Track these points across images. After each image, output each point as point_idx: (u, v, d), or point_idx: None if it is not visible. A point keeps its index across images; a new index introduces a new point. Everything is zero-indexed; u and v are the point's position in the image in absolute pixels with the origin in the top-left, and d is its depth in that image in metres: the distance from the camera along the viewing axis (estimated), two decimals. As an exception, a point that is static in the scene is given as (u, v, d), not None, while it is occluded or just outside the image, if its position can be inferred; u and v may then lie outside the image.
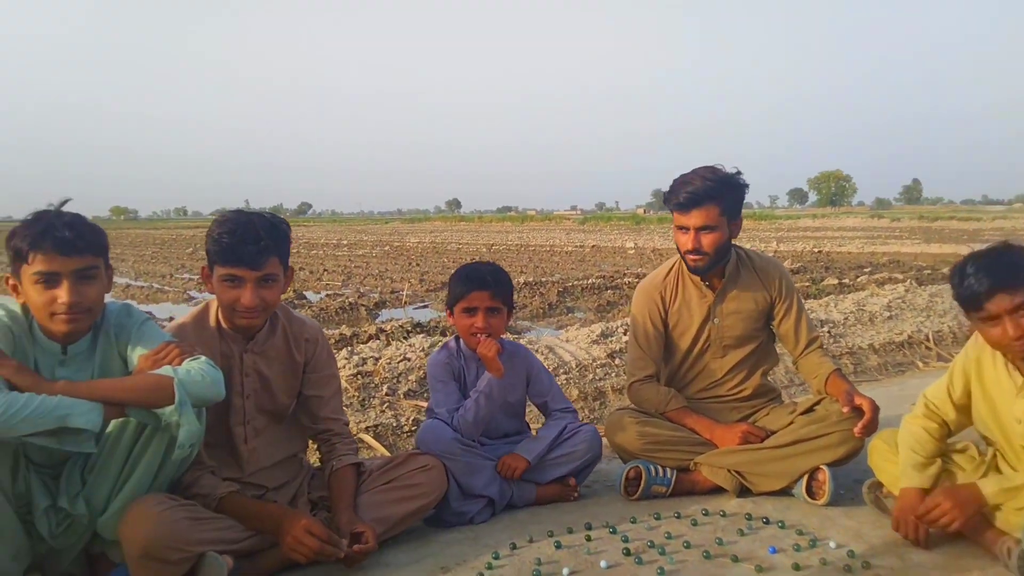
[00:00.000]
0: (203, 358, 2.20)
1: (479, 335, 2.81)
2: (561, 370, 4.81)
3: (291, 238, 2.47)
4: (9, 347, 2.09)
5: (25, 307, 2.17)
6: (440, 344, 3.25)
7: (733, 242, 2.99)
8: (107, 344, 2.26)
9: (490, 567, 2.34)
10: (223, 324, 2.46)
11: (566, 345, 5.43)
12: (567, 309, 9.96)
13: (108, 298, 2.31)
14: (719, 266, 2.97)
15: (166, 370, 2.12)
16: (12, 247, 2.11)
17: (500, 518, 2.77)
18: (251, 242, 2.31)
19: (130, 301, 2.45)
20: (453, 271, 2.98)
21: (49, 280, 2.08)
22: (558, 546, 2.47)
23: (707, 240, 2.85)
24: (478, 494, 2.74)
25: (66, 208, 2.20)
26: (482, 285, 2.82)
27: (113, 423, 2.14)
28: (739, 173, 2.90)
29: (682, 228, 2.90)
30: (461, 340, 2.96)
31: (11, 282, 2.17)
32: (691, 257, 2.91)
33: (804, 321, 3.05)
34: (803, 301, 3.13)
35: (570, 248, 24.30)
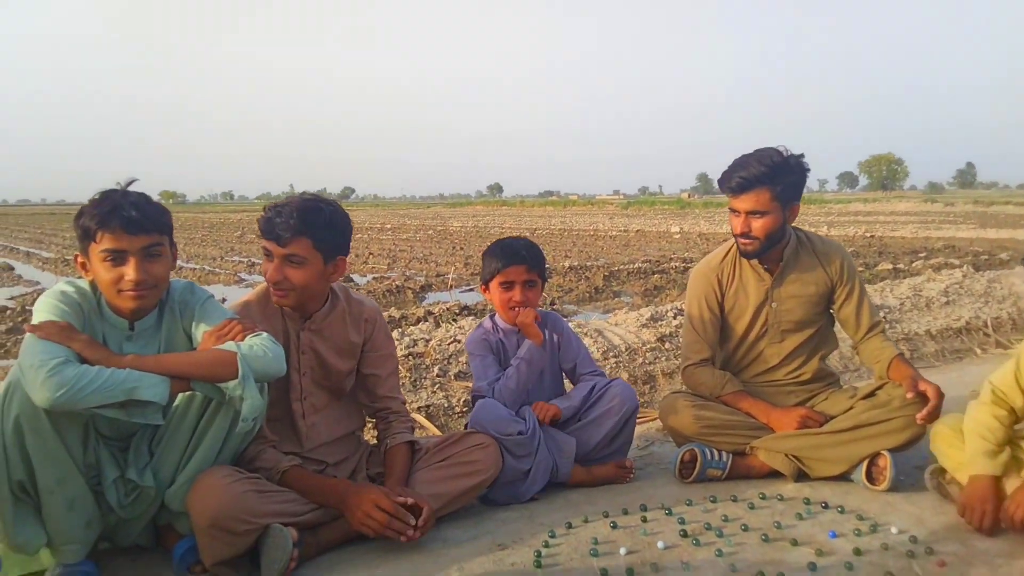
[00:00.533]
0: (264, 334, 2.25)
1: (516, 308, 2.87)
2: (611, 353, 4.80)
3: (329, 223, 2.42)
4: (79, 323, 2.14)
5: (93, 284, 2.23)
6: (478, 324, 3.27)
7: (793, 225, 2.94)
8: (172, 320, 2.31)
9: (547, 545, 2.35)
10: None
11: (615, 328, 5.40)
12: (613, 293, 9.92)
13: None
14: (775, 250, 2.92)
15: (229, 345, 2.17)
16: (80, 226, 2.16)
17: (554, 498, 2.77)
18: (279, 217, 2.36)
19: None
20: (487, 247, 3.00)
21: (116, 258, 2.14)
22: (614, 526, 2.48)
23: (757, 224, 2.82)
24: (528, 471, 2.74)
25: (131, 188, 2.26)
26: (518, 259, 2.86)
27: (180, 398, 2.20)
28: (799, 157, 2.84)
29: (734, 211, 2.87)
30: (497, 317, 3.01)
31: (79, 260, 2.22)
32: (741, 241, 2.88)
33: (866, 305, 2.99)
34: (865, 286, 3.06)
35: (614, 233, 24.15)
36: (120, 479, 2.24)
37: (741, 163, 2.82)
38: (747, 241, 2.87)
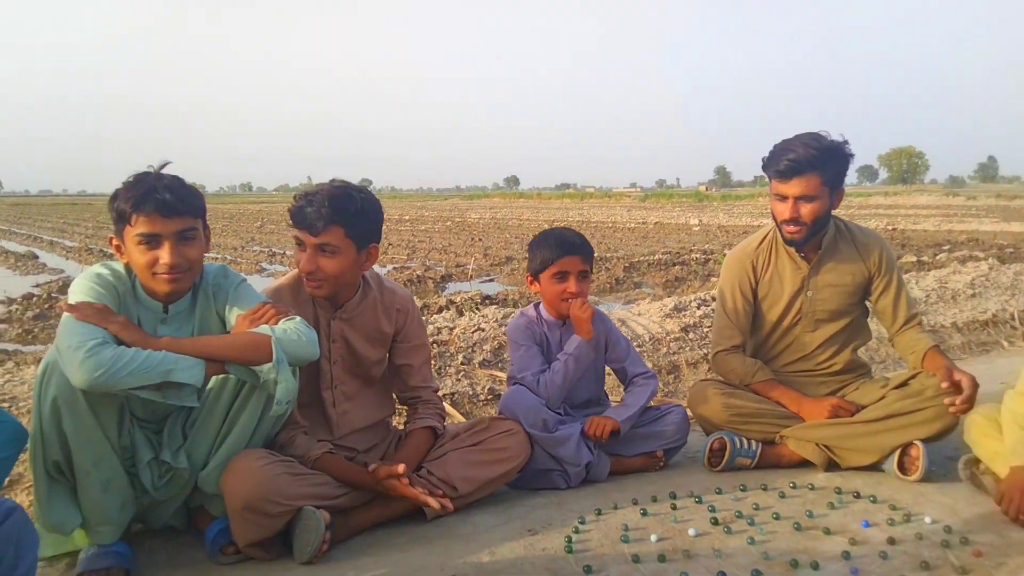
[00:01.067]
0: (298, 318, 2.25)
1: (569, 300, 2.80)
2: (635, 343, 4.78)
3: (361, 211, 2.41)
4: (115, 305, 2.15)
5: (128, 266, 2.23)
6: (516, 313, 3.25)
7: (832, 213, 2.90)
8: (206, 304, 2.32)
9: (577, 531, 2.35)
10: None
11: (638, 319, 5.38)
12: (634, 284, 9.89)
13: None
14: (816, 237, 2.89)
15: (264, 329, 2.17)
16: (115, 209, 2.16)
17: (583, 486, 2.76)
18: (311, 206, 2.34)
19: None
20: (534, 238, 2.94)
21: (151, 241, 2.14)
22: (644, 513, 2.47)
23: (806, 210, 2.77)
24: (560, 460, 2.72)
25: (164, 171, 2.25)
26: (573, 250, 2.80)
27: (213, 381, 2.20)
28: (845, 142, 2.80)
29: (780, 197, 2.81)
30: (541, 307, 2.95)
31: (114, 242, 2.22)
32: (788, 228, 2.82)
33: (904, 297, 2.95)
34: (903, 277, 3.01)
35: (632, 225, 24.06)
36: (154, 461, 2.25)
37: (788, 146, 2.77)
38: (795, 228, 2.81)
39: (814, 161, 2.72)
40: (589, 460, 2.76)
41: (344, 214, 2.35)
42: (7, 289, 9.21)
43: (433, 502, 2.32)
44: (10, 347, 6.02)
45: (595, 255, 2.94)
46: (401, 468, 2.30)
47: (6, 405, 3.26)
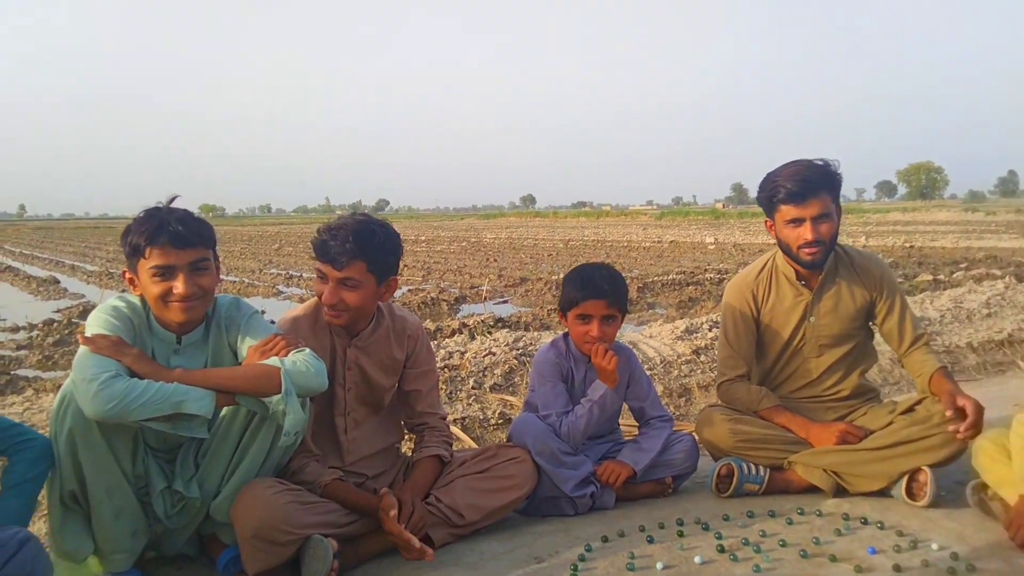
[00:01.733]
0: (307, 350, 2.29)
1: (591, 343, 2.77)
2: (646, 366, 4.79)
3: (383, 246, 2.46)
4: (130, 337, 2.21)
5: (143, 299, 2.29)
6: (541, 340, 3.26)
7: None
8: (218, 335, 2.37)
9: (583, 559, 2.36)
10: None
11: (650, 341, 5.40)
12: (648, 305, 9.88)
13: (217, 292, 2.42)
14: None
15: (273, 360, 2.21)
16: (129, 243, 2.23)
17: (590, 513, 2.77)
18: (334, 240, 2.39)
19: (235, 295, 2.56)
20: (568, 272, 2.92)
21: (166, 273, 2.20)
22: (650, 540, 2.48)
23: (825, 229, 2.80)
24: (567, 493, 2.71)
25: (174, 204, 2.31)
26: (598, 294, 2.76)
27: (225, 411, 2.26)
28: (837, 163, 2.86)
29: (795, 221, 2.82)
30: (571, 340, 2.92)
31: (128, 276, 2.29)
32: (808, 250, 2.82)
33: (908, 319, 2.96)
34: (906, 298, 3.03)
35: (648, 243, 24.06)
36: (167, 490, 2.30)
37: (794, 170, 2.81)
38: (815, 249, 2.82)
39: (824, 180, 2.78)
40: (593, 491, 2.77)
41: (366, 249, 2.40)
42: (28, 315, 9.34)
43: (415, 545, 2.28)
44: (30, 373, 6.11)
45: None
46: (392, 512, 2.30)
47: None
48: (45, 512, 2.61)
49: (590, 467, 2.79)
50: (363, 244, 2.39)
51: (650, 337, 5.56)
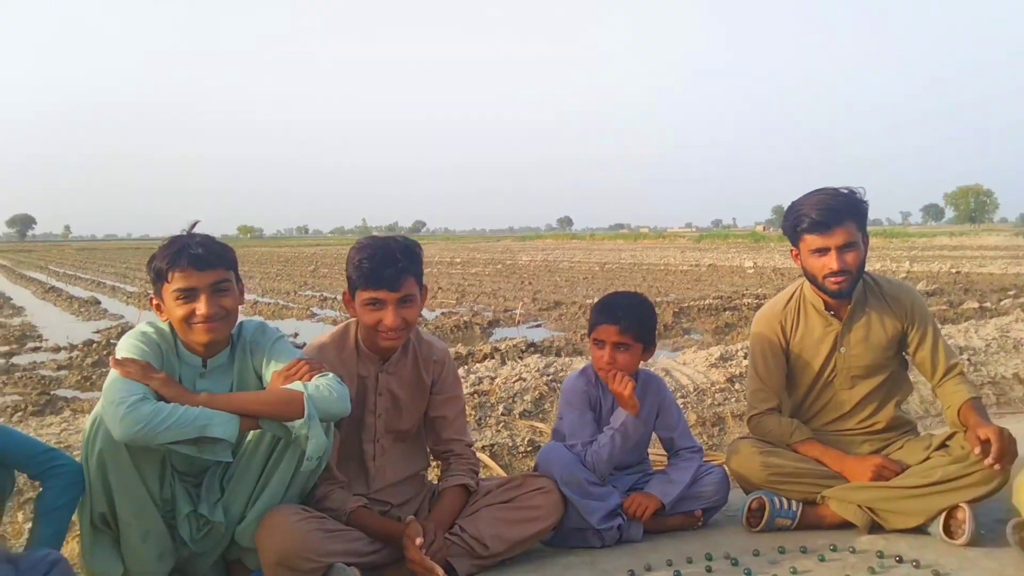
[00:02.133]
0: (331, 375, 2.30)
1: (608, 370, 2.74)
2: (678, 394, 4.73)
3: (422, 258, 2.54)
4: (157, 361, 2.26)
5: (171, 324, 2.34)
6: (571, 367, 3.23)
7: None
8: (243, 359, 2.40)
9: (608, 594, 2.32)
10: (362, 345, 2.55)
11: (683, 368, 5.32)
12: (683, 331, 9.79)
13: (243, 316, 2.45)
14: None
15: (296, 385, 2.23)
16: (153, 269, 2.30)
17: (618, 545, 2.72)
18: (389, 265, 2.40)
19: (261, 318, 2.58)
20: (596, 301, 2.90)
21: (188, 295, 2.25)
22: (677, 575, 2.42)
23: (851, 258, 2.74)
24: (593, 525, 2.67)
25: (196, 230, 2.39)
26: (611, 319, 2.74)
27: (250, 436, 2.27)
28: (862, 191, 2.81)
29: (820, 251, 2.77)
30: None
31: (155, 302, 2.35)
32: (835, 280, 2.77)
33: (941, 348, 2.88)
34: (939, 326, 2.94)
35: (685, 267, 23.88)
36: (193, 514, 2.31)
37: (818, 199, 2.76)
38: (842, 278, 2.77)
39: (848, 208, 2.73)
40: (620, 524, 2.72)
41: (413, 262, 2.46)
42: (69, 335, 9.56)
43: (438, 574, 2.26)
44: (69, 394, 6.23)
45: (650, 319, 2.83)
46: (418, 540, 2.29)
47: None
48: (76, 534, 2.65)
49: (618, 499, 2.74)
50: (410, 259, 2.45)
51: (683, 364, 5.49)
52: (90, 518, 2.21)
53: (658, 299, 12.51)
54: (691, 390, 4.86)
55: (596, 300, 2.91)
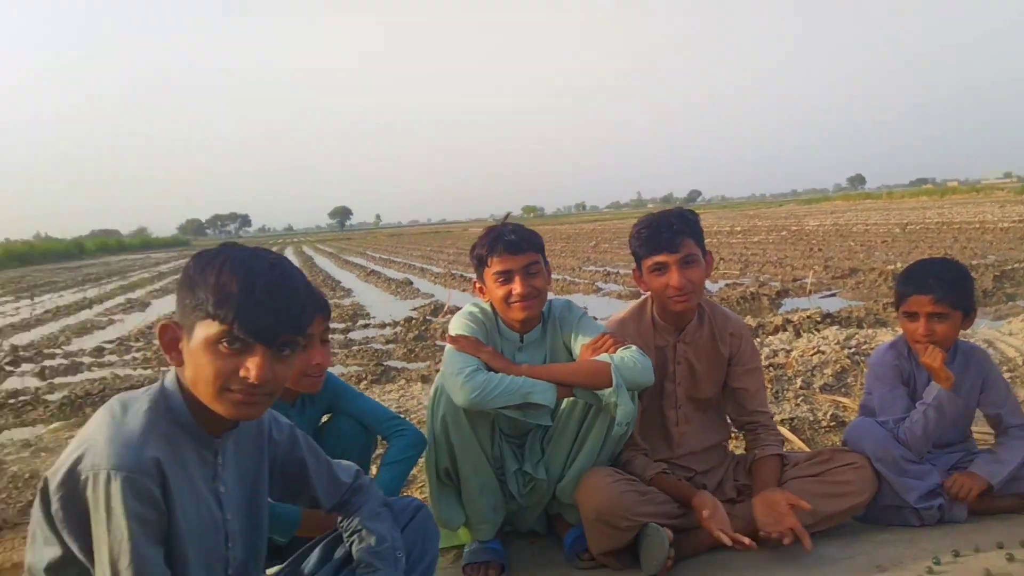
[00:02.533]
0: (634, 347, 2.47)
1: (926, 343, 2.61)
2: (1004, 367, 4.29)
3: (700, 225, 2.62)
4: (483, 337, 2.58)
5: (492, 305, 2.65)
6: (878, 340, 3.11)
7: None
8: (554, 334, 2.66)
9: (931, 572, 2.24)
10: (658, 318, 2.70)
11: (1009, 339, 4.80)
12: (1006, 297, 8.69)
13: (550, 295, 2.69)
14: None
15: (604, 357, 2.43)
16: (475, 256, 2.62)
17: (938, 525, 2.60)
18: (665, 229, 2.53)
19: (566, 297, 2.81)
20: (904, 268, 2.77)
21: (506, 277, 2.53)
22: (1010, 559, 2.27)
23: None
24: (911, 504, 2.58)
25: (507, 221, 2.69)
26: (921, 288, 2.61)
27: (564, 403, 2.51)
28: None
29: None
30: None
31: (477, 285, 2.67)
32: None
33: None
34: None
35: (1006, 224, 20.93)
36: (519, 471, 2.62)
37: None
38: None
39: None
40: (941, 504, 2.59)
41: (690, 225, 2.58)
42: (392, 313, 10.81)
43: (727, 541, 2.34)
44: (398, 364, 7.10)
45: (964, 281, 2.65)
46: (705, 512, 2.40)
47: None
48: (422, 485, 3.10)
49: (937, 478, 2.62)
50: (685, 222, 2.56)
51: (1009, 335, 4.94)
52: (436, 473, 2.59)
53: (974, 262, 11.18)
54: (1020, 363, 4.38)
55: (900, 267, 2.77)
